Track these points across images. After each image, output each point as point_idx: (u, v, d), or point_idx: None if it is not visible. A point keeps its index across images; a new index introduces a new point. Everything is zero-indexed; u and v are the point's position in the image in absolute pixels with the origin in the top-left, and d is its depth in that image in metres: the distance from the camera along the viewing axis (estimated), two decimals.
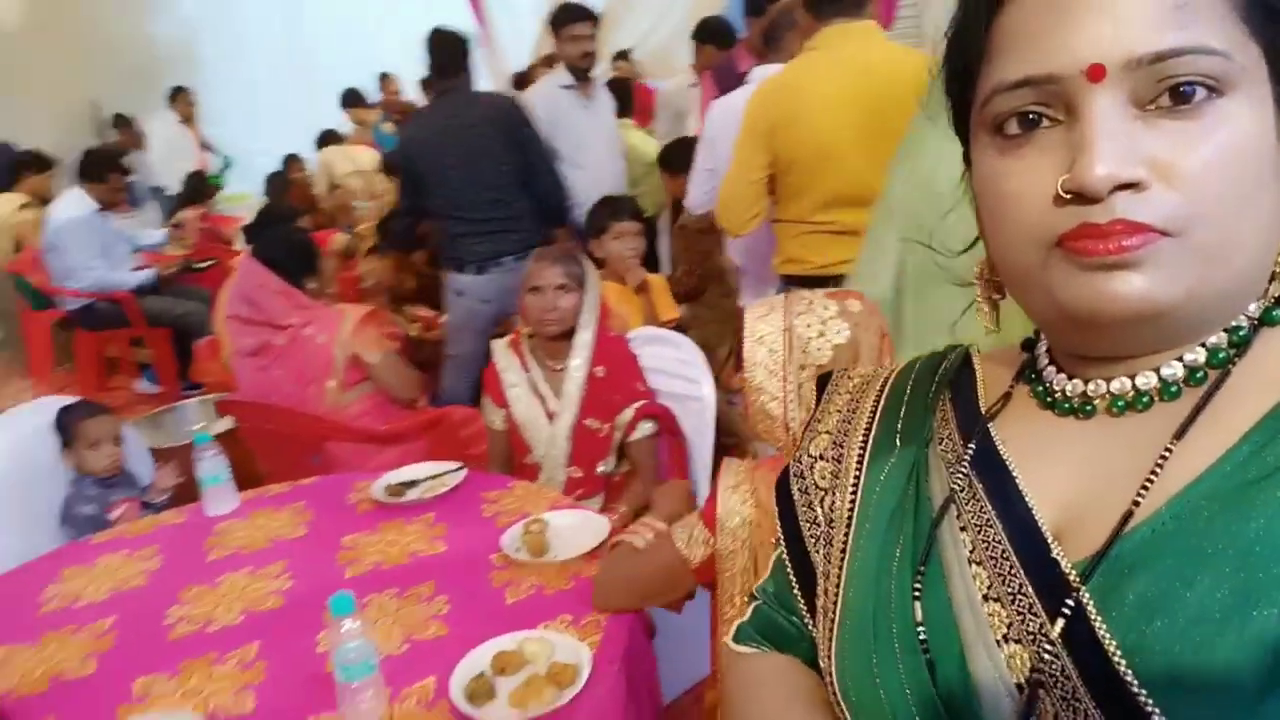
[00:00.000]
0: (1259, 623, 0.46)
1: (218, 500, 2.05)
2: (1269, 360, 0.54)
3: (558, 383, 2.31)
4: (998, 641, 0.55)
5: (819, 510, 0.73)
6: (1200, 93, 0.49)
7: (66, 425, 2.33)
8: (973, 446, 0.63)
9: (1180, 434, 0.53)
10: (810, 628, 0.74)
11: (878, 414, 0.72)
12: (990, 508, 0.59)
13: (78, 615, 1.69)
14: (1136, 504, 0.53)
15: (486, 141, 3.28)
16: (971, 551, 0.59)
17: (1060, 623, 0.52)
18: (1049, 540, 0.56)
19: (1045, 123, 0.52)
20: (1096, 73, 0.49)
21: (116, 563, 1.87)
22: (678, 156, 3.80)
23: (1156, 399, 0.56)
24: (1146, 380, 0.56)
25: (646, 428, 2.30)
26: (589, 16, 3.73)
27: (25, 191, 5.30)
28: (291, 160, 6.50)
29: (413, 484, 2.03)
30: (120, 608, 1.70)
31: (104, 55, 7.97)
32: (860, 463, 0.70)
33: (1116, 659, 0.50)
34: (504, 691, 1.32)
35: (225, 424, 3.22)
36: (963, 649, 0.57)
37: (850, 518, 0.68)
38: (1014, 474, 0.60)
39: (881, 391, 0.74)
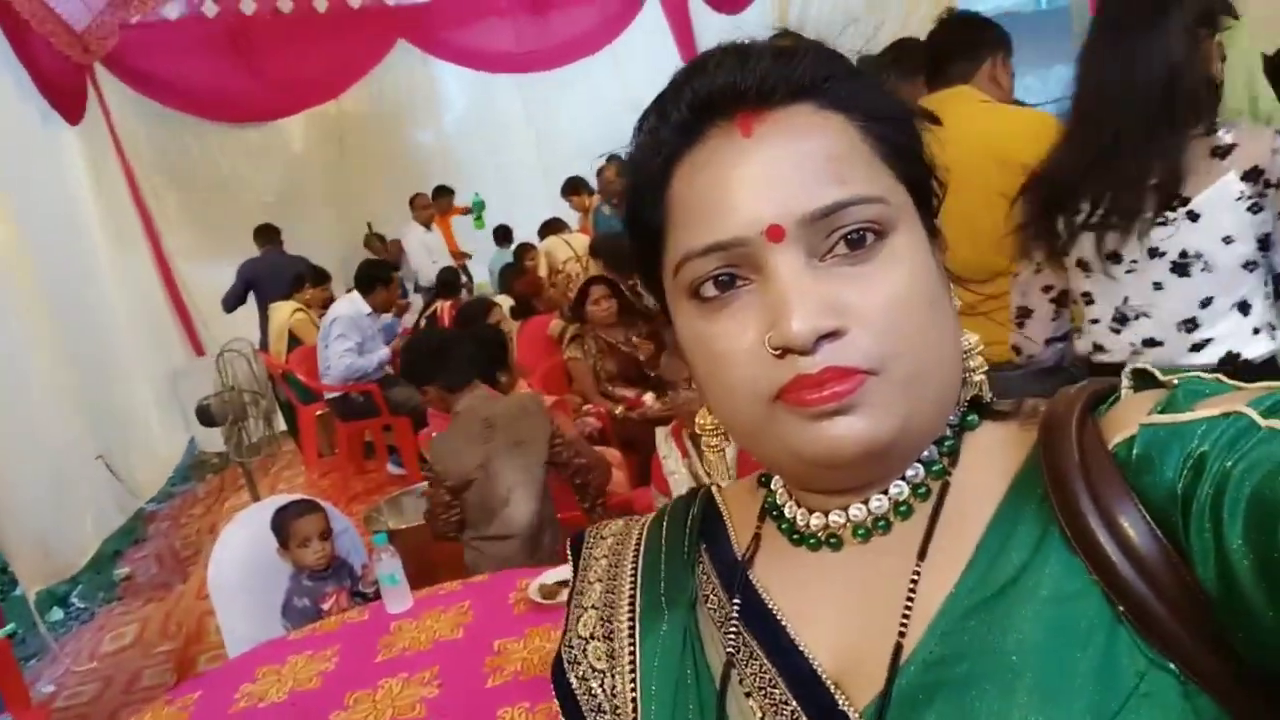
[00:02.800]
0: None
1: (395, 599, 2.17)
2: (978, 463, 0.57)
3: (720, 466, 2.26)
4: None
5: (601, 695, 0.68)
6: (869, 237, 0.52)
7: (280, 525, 2.57)
8: (738, 601, 0.62)
9: (922, 554, 0.55)
10: None
11: (639, 580, 0.70)
12: (770, 666, 0.58)
13: (259, 717, 1.84)
14: (902, 634, 0.54)
15: None
16: (761, 718, 0.58)
17: None
18: (833, 691, 0.55)
19: (739, 282, 0.54)
20: (776, 233, 0.52)
21: (301, 663, 2.03)
22: None
23: (893, 520, 0.58)
24: (879, 504, 0.57)
25: None
26: None
27: (303, 301, 6.05)
28: (525, 249, 6.94)
29: (567, 584, 2.04)
30: (293, 712, 1.83)
31: (374, 171, 8.97)
32: (632, 637, 0.67)
33: None
34: None
35: None
36: None
37: (634, 700, 0.65)
38: (784, 624, 0.59)
39: (637, 552, 0.72)
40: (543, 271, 6.30)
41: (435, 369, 2.88)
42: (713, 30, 8.33)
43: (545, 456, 2.75)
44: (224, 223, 7.65)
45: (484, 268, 8.43)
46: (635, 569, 0.71)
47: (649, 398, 3.94)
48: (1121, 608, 0.48)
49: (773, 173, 0.52)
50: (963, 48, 2.34)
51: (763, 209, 0.52)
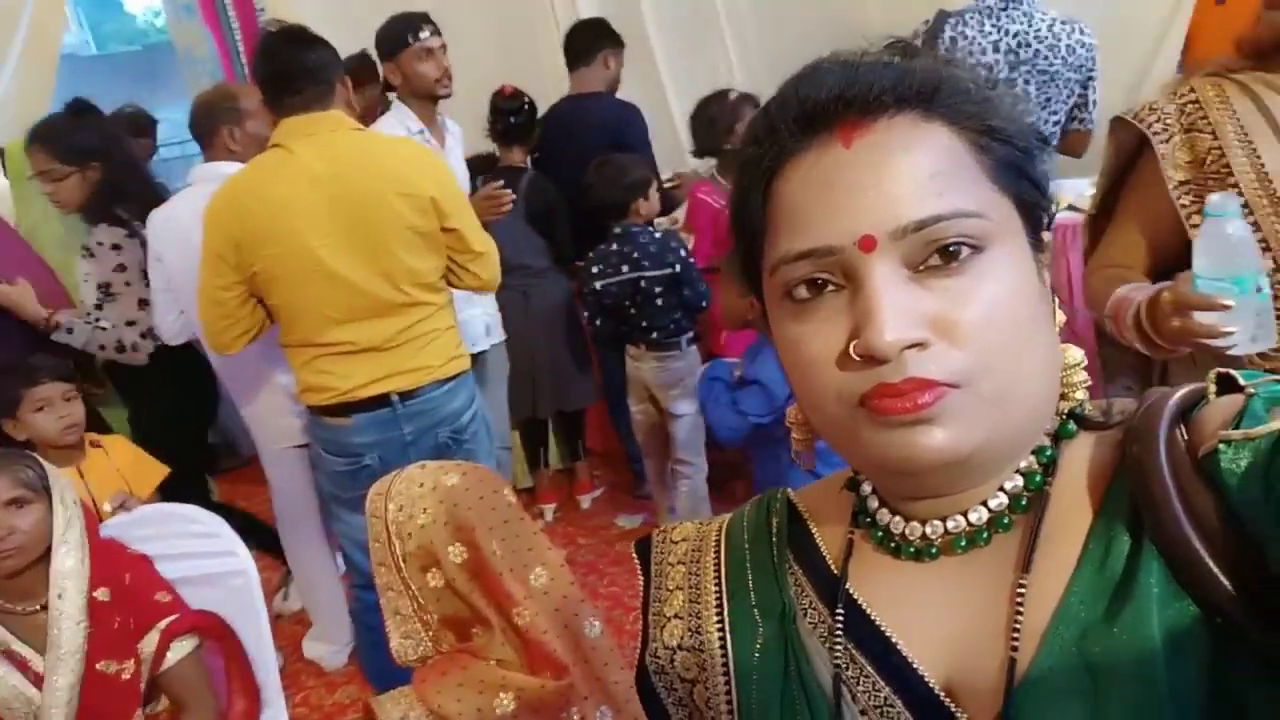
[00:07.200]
0: None
1: None
2: (1075, 473, 0.58)
3: (38, 631, 1.65)
4: None
5: (692, 704, 0.71)
6: (964, 251, 0.53)
7: None
8: (841, 614, 0.62)
9: (1026, 566, 0.56)
10: None
11: (724, 590, 0.70)
12: (883, 684, 0.59)
13: None
14: (1015, 649, 0.54)
15: None
16: None
17: None
18: (954, 711, 0.56)
19: (830, 287, 0.55)
20: (868, 243, 0.53)
21: None
22: None
23: (993, 533, 0.58)
24: (979, 515, 0.58)
25: (184, 647, 1.75)
26: None
27: None
28: None
29: None
30: None
31: None
32: (723, 649, 0.68)
33: None
34: None
35: None
36: None
37: (730, 713, 0.66)
38: (894, 641, 0.60)
39: (718, 559, 0.72)
40: None
41: None
42: None
43: None
44: None
45: None
46: (719, 577, 0.71)
47: None
48: (1218, 620, 0.49)
49: (869, 184, 0.53)
50: (325, 68, 2.15)
51: (857, 219, 0.53)
